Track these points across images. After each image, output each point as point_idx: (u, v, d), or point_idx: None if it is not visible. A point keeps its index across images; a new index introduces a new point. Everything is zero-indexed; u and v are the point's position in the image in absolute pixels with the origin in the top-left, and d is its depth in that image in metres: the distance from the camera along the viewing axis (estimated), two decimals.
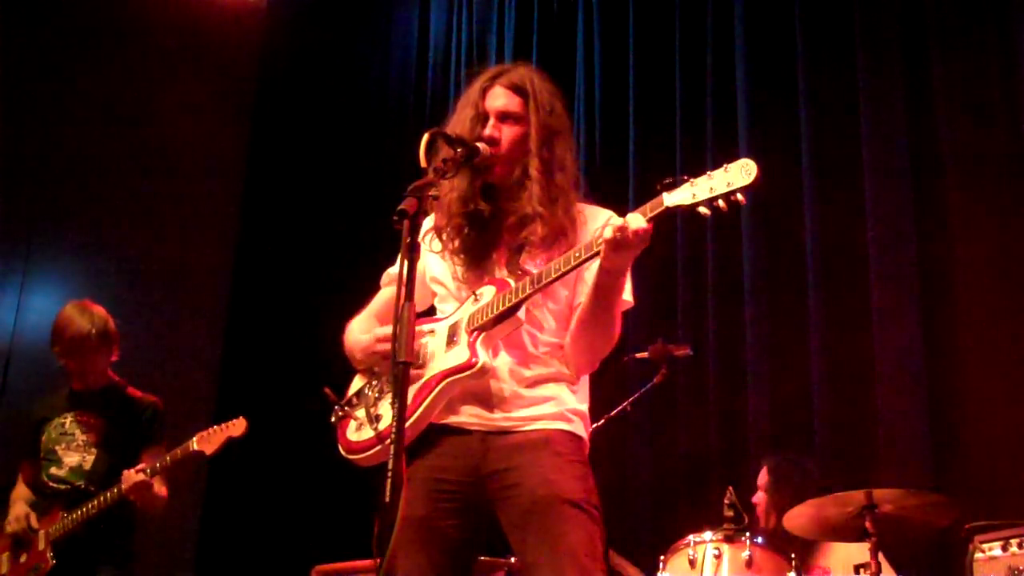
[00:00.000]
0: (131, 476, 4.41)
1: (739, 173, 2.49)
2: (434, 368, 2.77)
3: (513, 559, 4.26)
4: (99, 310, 4.77)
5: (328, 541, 5.91)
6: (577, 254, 2.66)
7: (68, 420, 4.73)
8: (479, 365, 2.71)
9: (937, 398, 4.80)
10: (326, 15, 8.11)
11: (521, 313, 2.76)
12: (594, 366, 2.87)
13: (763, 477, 4.61)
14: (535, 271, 2.74)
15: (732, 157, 5.70)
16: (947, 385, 4.80)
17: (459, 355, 2.75)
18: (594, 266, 2.70)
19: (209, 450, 4.48)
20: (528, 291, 2.72)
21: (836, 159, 5.35)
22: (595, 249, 2.62)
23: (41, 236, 7.17)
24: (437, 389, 2.74)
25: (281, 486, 5.15)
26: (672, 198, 2.57)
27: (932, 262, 4.95)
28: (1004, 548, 3.74)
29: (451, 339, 2.80)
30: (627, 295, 2.85)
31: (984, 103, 4.91)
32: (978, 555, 3.80)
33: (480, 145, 2.79)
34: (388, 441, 2.75)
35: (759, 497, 4.59)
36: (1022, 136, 4.73)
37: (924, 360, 4.85)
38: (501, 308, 2.74)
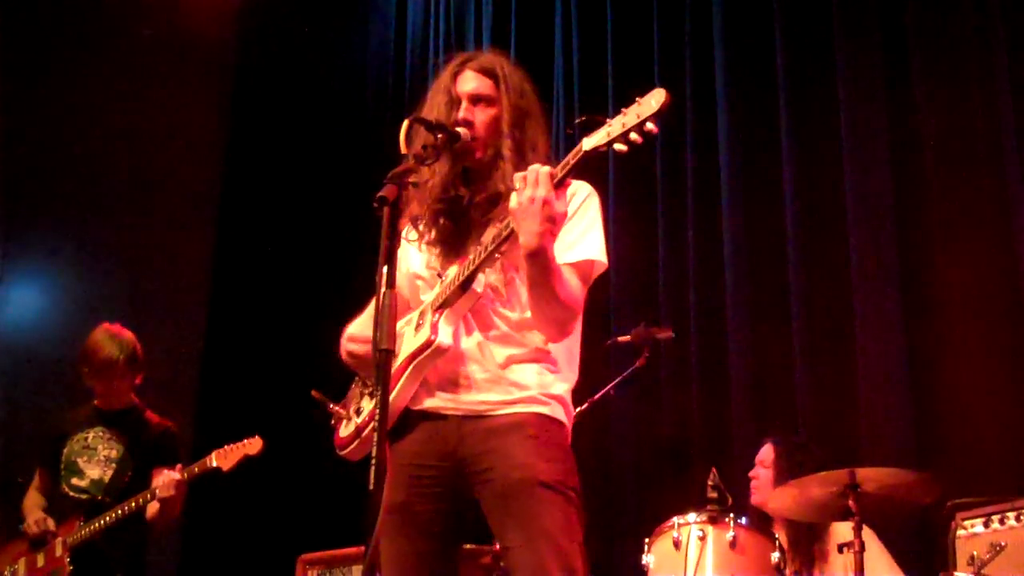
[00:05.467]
0: (172, 475, 4.59)
1: (648, 103, 2.47)
2: (404, 353, 2.78)
3: (496, 544, 4.27)
4: (128, 335, 4.95)
5: (314, 529, 5.92)
6: (510, 220, 2.65)
7: (91, 435, 4.92)
8: (436, 342, 2.71)
9: (918, 377, 4.82)
10: (304, 3, 8.06)
11: (478, 286, 2.75)
12: (564, 332, 2.80)
13: (768, 454, 4.60)
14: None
15: (711, 146, 5.75)
16: (928, 364, 4.82)
17: (422, 335, 2.76)
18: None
19: (226, 466, 4.66)
20: (480, 259, 2.71)
21: (816, 147, 5.36)
22: None
23: (18, 230, 7.13)
24: (406, 373, 2.75)
25: (267, 475, 5.15)
26: (590, 141, 2.56)
27: (913, 244, 4.98)
28: (986, 524, 3.78)
29: (419, 323, 2.82)
30: (598, 255, 2.83)
31: (963, 96, 4.92)
32: (960, 532, 3.83)
33: (461, 130, 2.79)
34: (366, 432, 2.81)
35: (759, 473, 4.59)
36: (1001, 128, 4.74)
37: (906, 340, 4.88)
38: (459, 282, 2.74)
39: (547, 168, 2.59)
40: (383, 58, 7.92)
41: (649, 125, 2.46)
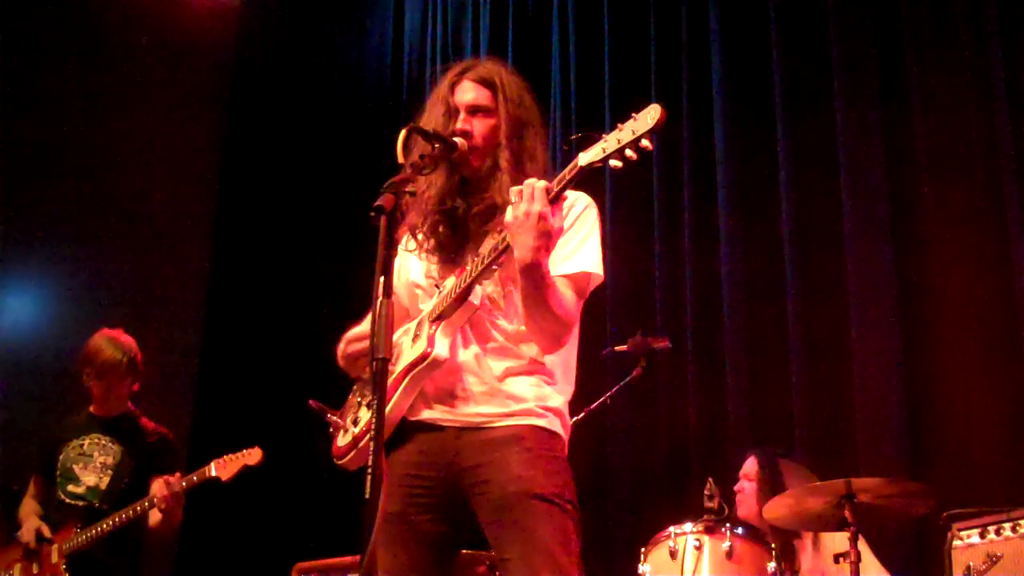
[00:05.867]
0: (171, 483, 4.58)
1: (644, 119, 2.46)
2: (401, 363, 2.78)
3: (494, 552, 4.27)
4: (129, 340, 4.97)
5: (310, 538, 5.90)
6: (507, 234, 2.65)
7: (87, 442, 4.91)
8: (432, 354, 2.71)
9: (914, 388, 4.83)
10: (301, 11, 8.08)
11: (475, 297, 2.74)
12: (558, 344, 2.80)
13: (751, 467, 4.60)
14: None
15: (709, 156, 5.76)
16: (924, 375, 4.83)
17: (418, 347, 2.75)
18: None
19: (225, 476, 4.66)
20: (477, 271, 2.71)
21: (813, 157, 5.36)
22: None
23: (14, 236, 7.12)
24: (403, 384, 2.75)
25: (263, 483, 5.14)
26: (586, 156, 2.55)
27: (908, 256, 4.98)
28: (982, 535, 3.77)
29: (416, 334, 2.81)
30: (594, 267, 2.82)
31: (958, 101, 4.93)
32: (956, 542, 3.83)
33: (457, 140, 2.79)
34: (363, 443, 2.80)
35: (743, 486, 4.59)
36: (995, 134, 4.76)
37: (902, 351, 4.88)
38: (456, 293, 2.74)
39: (543, 183, 2.59)
40: (380, 65, 7.93)
41: (644, 142, 2.46)
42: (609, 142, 2.51)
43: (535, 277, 2.62)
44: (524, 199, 2.56)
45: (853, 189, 5.16)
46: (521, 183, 2.74)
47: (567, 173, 2.58)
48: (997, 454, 4.51)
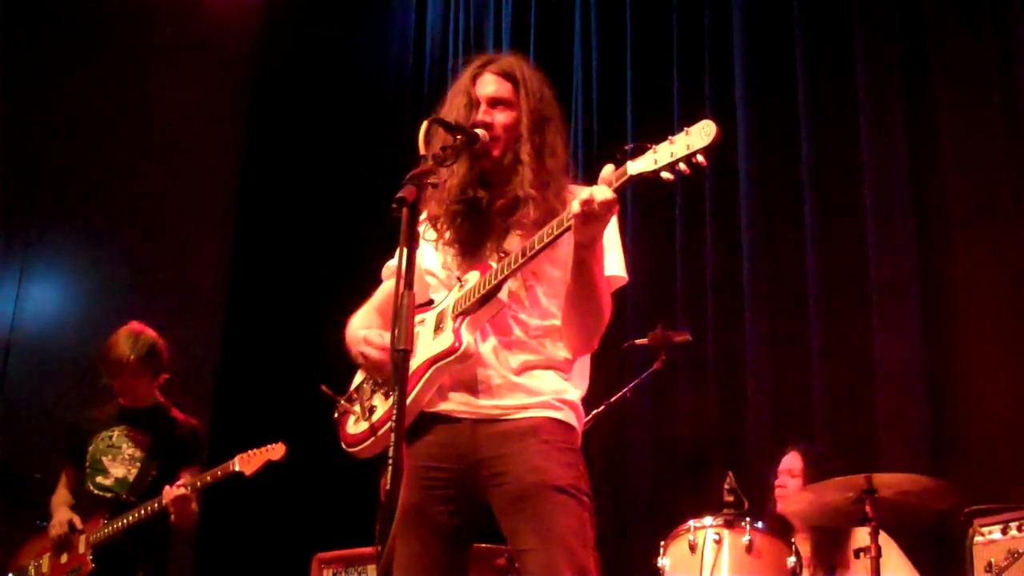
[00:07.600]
0: (172, 491, 4.62)
1: (699, 135, 2.47)
2: (422, 356, 2.78)
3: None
4: (148, 335, 4.95)
5: (330, 528, 5.93)
6: (550, 231, 2.66)
7: (116, 433, 4.94)
8: (462, 349, 2.71)
9: (936, 383, 4.81)
10: (323, 6, 8.09)
11: (503, 295, 2.76)
12: (590, 346, 2.85)
13: (795, 462, 4.57)
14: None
15: (730, 149, 5.75)
16: (946, 370, 4.81)
17: (444, 341, 2.76)
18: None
19: (249, 471, 4.68)
20: (507, 271, 2.72)
21: (836, 151, 5.35)
22: (567, 224, 2.61)
23: (39, 226, 7.17)
24: (425, 376, 2.75)
25: (284, 474, 5.17)
26: (635, 166, 2.55)
27: (932, 251, 4.96)
28: (1003, 531, 3.76)
29: (438, 326, 2.81)
30: (620, 271, 2.86)
31: (984, 102, 4.91)
32: (977, 538, 3.82)
33: (479, 131, 2.79)
34: (382, 432, 2.80)
35: (787, 482, 4.55)
36: (1021, 135, 4.73)
37: (923, 345, 4.86)
38: (483, 291, 2.74)
39: (603, 186, 2.59)
40: (402, 58, 7.93)
41: (699, 157, 2.48)
42: (660, 153, 2.52)
43: (591, 257, 2.65)
44: (592, 191, 2.56)
45: (876, 185, 5.13)
46: (542, 177, 2.77)
47: (615, 179, 2.58)
48: (1019, 450, 4.49)
